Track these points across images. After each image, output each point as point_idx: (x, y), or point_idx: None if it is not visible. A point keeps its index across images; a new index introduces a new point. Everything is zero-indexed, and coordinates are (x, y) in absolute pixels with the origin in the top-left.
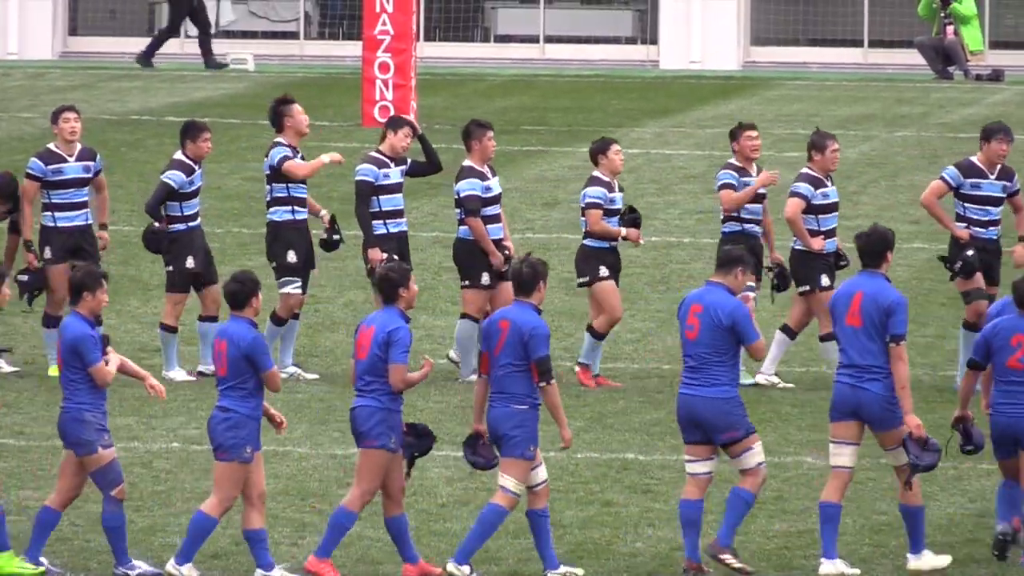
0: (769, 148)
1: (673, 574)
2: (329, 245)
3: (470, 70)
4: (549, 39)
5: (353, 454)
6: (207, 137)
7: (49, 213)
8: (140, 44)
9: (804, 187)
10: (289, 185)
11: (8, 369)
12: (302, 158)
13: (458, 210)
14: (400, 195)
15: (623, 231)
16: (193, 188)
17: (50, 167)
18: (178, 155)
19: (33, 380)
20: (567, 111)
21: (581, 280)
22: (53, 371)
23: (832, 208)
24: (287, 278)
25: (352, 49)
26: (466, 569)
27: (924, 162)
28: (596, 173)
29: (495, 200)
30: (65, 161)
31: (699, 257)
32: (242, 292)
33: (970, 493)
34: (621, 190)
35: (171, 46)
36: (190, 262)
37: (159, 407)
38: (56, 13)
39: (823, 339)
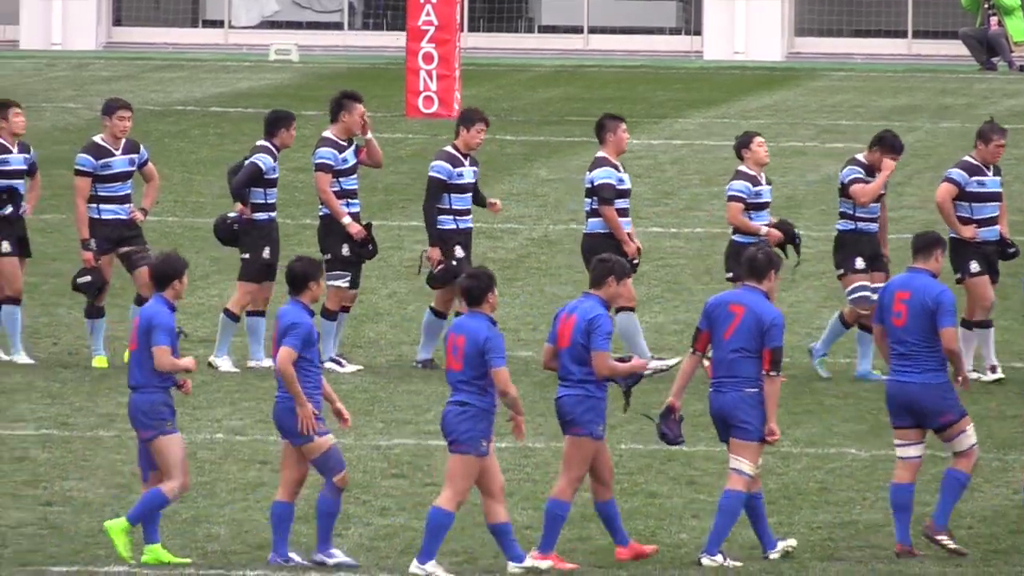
0: (813, 139)
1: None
2: (363, 256)
3: (514, 60)
4: (593, 30)
5: (396, 445)
6: (294, 127)
7: (95, 205)
8: (184, 35)
9: (958, 173)
10: (341, 179)
11: (25, 360)
12: (356, 148)
13: (588, 200)
14: (470, 195)
15: (763, 228)
16: (276, 176)
17: (100, 161)
18: (263, 142)
19: (77, 371)
20: (611, 102)
21: (728, 275)
22: (99, 362)
23: (989, 197)
24: (338, 271)
25: (396, 39)
26: (719, 558)
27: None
28: (741, 167)
29: (627, 193)
30: (112, 155)
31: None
32: (477, 288)
33: (1014, 484)
34: (769, 183)
35: (216, 36)
36: (267, 253)
37: (204, 398)
38: (100, 4)
39: (966, 325)
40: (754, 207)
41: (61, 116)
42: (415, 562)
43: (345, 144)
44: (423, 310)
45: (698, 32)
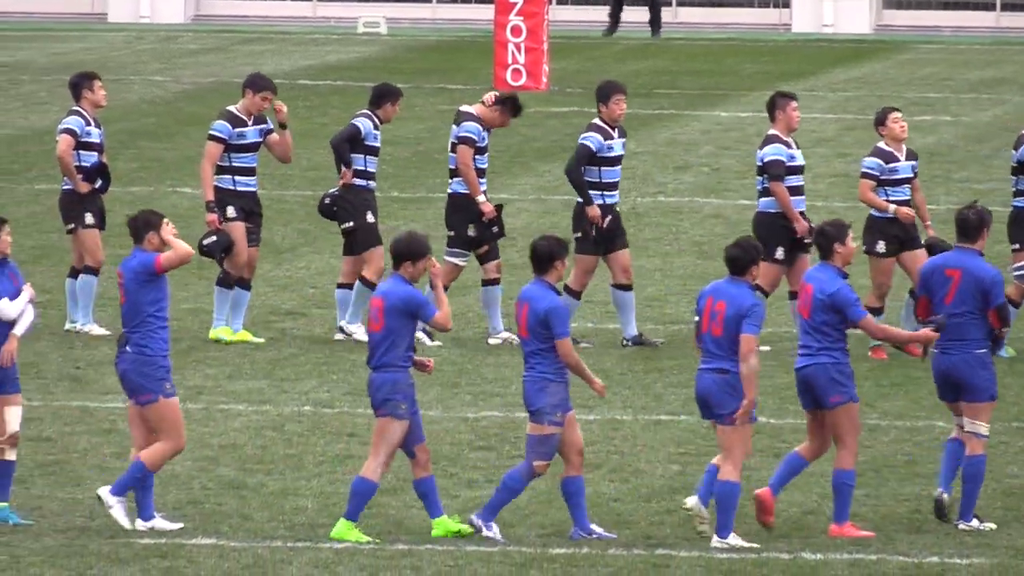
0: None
1: (805, 536)
2: (487, 237)
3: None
4: (682, 2)
5: (484, 417)
6: (400, 103)
7: (229, 176)
8: (272, 7)
9: None
10: (475, 156)
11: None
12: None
13: (760, 178)
14: (619, 167)
15: (892, 207)
16: (376, 144)
17: (236, 130)
18: (364, 112)
19: None
20: (699, 74)
21: (865, 249)
22: (220, 332)
23: None
24: (459, 249)
25: (484, 12)
26: (975, 522)
27: None
28: (879, 144)
29: (799, 170)
30: (246, 125)
31: None
32: (743, 259)
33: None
34: (912, 158)
35: (303, 8)
36: (370, 217)
37: (291, 370)
38: None
39: None
40: (889, 183)
41: (149, 89)
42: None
43: (477, 132)
44: (509, 283)
45: (787, 5)
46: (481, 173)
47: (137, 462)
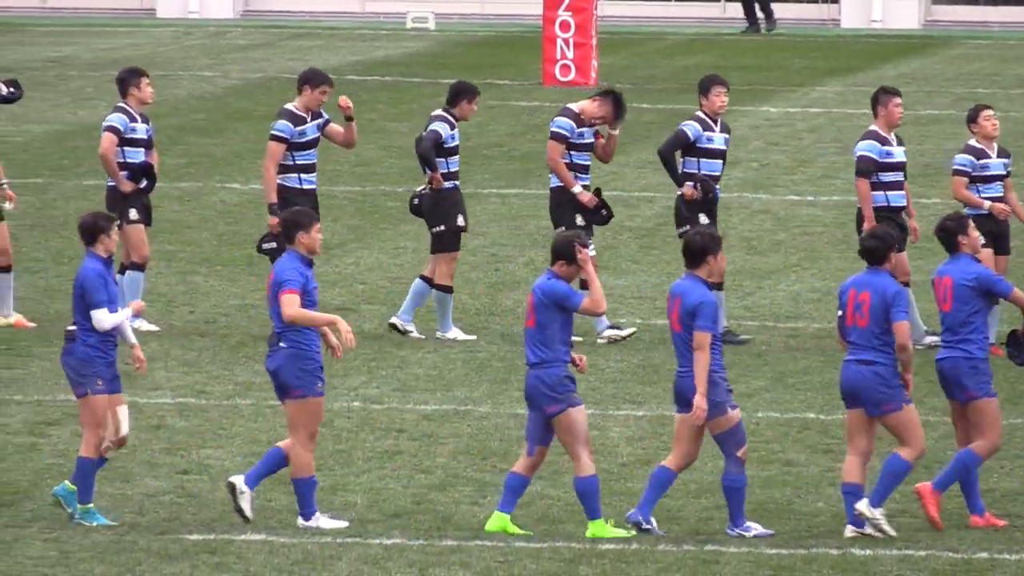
0: (950, 107)
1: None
2: (596, 222)
3: (651, 28)
4: None
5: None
6: (476, 101)
7: (295, 175)
8: (320, 3)
9: None
10: (572, 152)
11: (148, 327)
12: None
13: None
14: (722, 162)
15: (986, 203)
16: (455, 144)
17: (297, 128)
18: (440, 111)
19: (213, 339)
20: (748, 70)
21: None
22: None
23: None
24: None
25: (533, 7)
26: None
27: None
28: (971, 141)
29: (896, 167)
30: (306, 122)
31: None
32: (881, 248)
33: None
34: (1006, 155)
35: (351, 3)
36: (460, 220)
37: (340, 367)
38: None
39: None
40: (981, 180)
41: (198, 85)
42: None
43: (583, 119)
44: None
45: (835, 0)
46: (584, 169)
47: (277, 451)
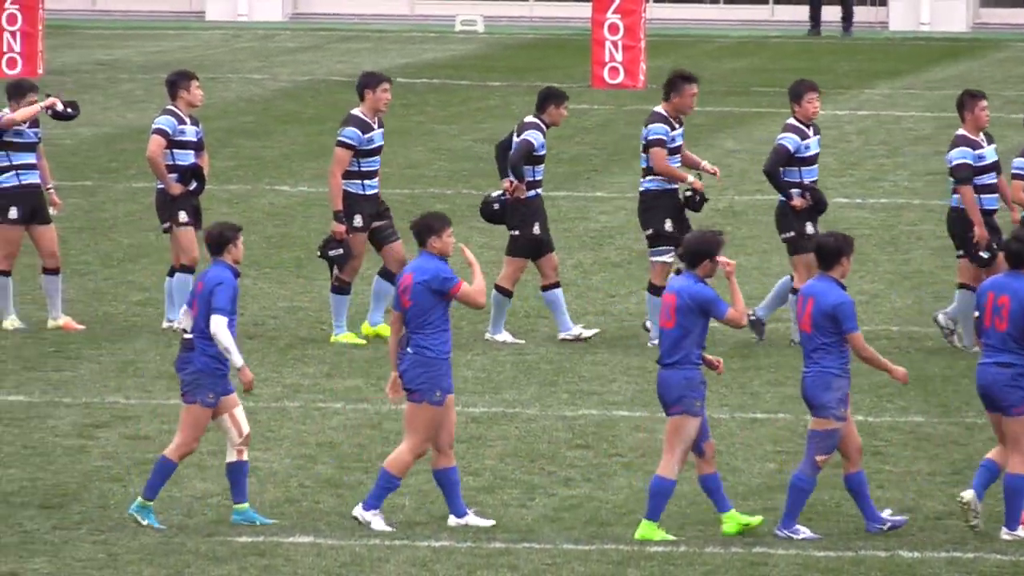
0: (998, 110)
1: (902, 534)
2: (695, 205)
3: (699, 31)
4: (779, 0)
5: (581, 416)
6: (565, 104)
7: (358, 181)
8: (369, 5)
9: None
10: (670, 157)
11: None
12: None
13: (951, 179)
14: (817, 166)
15: None
16: (544, 152)
17: (365, 136)
18: (532, 118)
19: (263, 342)
20: (796, 72)
21: None
22: (343, 338)
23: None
24: (663, 247)
25: (582, 10)
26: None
27: None
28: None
29: (990, 168)
30: (374, 129)
31: (928, 219)
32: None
33: None
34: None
35: (400, 6)
36: (537, 228)
37: (388, 368)
38: None
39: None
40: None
41: (246, 87)
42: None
43: (676, 123)
44: (608, 280)
45: (883, 3)
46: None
47: (384, 472)
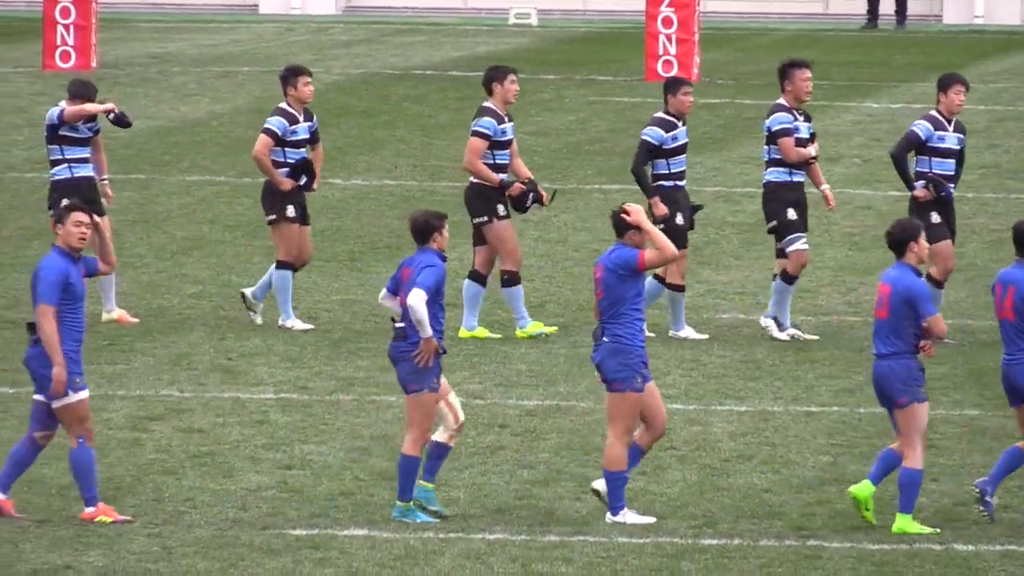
0: None
1: (957, 527)
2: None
3: (753, 24)
4: None
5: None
6: (687, 91)
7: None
8: (418, 0)
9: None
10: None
11: (301, 326)
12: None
13: None
14: (954, 161)
15: None
16: (676, 144)
17: (500, 127)
18: (659, 114)
19: (316, 334)
20: (850, 66)
21: None
22: (532, 329)
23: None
24: (794, 235)
25: (635, 3)
26: None
27: None
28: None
29: None
30: (506, 122)
31: (981, 212)
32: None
33: None
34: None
35: (453, 0)
36: (679, 219)
37: (443, 362)
38: None
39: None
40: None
41: None
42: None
43: (796, 112)
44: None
45: None
46: (797, 164)
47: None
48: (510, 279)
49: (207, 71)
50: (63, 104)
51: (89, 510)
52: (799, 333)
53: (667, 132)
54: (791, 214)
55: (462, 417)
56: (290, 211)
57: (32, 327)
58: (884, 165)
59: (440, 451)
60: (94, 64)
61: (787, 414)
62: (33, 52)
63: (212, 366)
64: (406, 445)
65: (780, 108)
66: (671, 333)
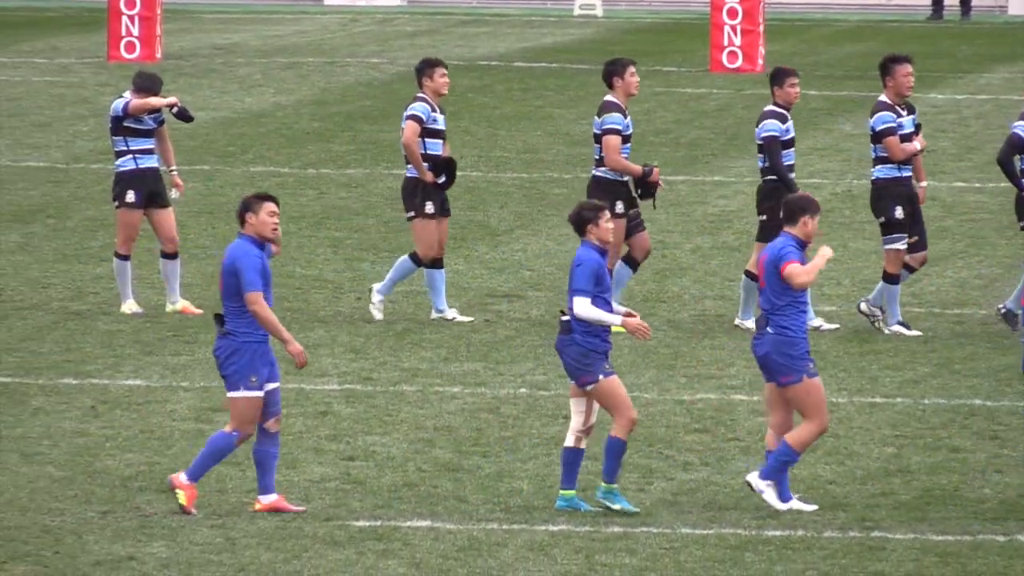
0: None
1: (1020, 519)
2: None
3: (817, 15)
4: None
5: (699, 400)
6: (794, 83)
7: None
8: None
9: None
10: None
11: (379, 316)
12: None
13: None
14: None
15: None
16: (790, 136)
17: (626, 121)
18: (769, 107)
19: (380, 325)
20: (914, 57)
21: None
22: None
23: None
24: (896, 234)
25: None
26: None
27: None
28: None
29: None
30: (626, 115)
31: None
32: None
33: None
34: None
35: None
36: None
37: (506, 352)
38: None
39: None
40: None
41: (365, 72)
42: None
43: (899, 107)
44: (726, 264)
45: None
46: (907, 163)
47: (783, 444)
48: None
49: (272, 62)
50: (128, 96)
51: (183, 479)
52: (903, 330)
53: (783, 124)
54: (899, 213)
55: (592, 421)
56: (428, 207)
57: (220, 319)
58: (949, 157)
59: (573, 456)
60: (159, 55)
61: (851, 405)
62: (98, 43)
63: (276, 356)
64: (613, 428)
65: (883, 106)
66: (736, 322)
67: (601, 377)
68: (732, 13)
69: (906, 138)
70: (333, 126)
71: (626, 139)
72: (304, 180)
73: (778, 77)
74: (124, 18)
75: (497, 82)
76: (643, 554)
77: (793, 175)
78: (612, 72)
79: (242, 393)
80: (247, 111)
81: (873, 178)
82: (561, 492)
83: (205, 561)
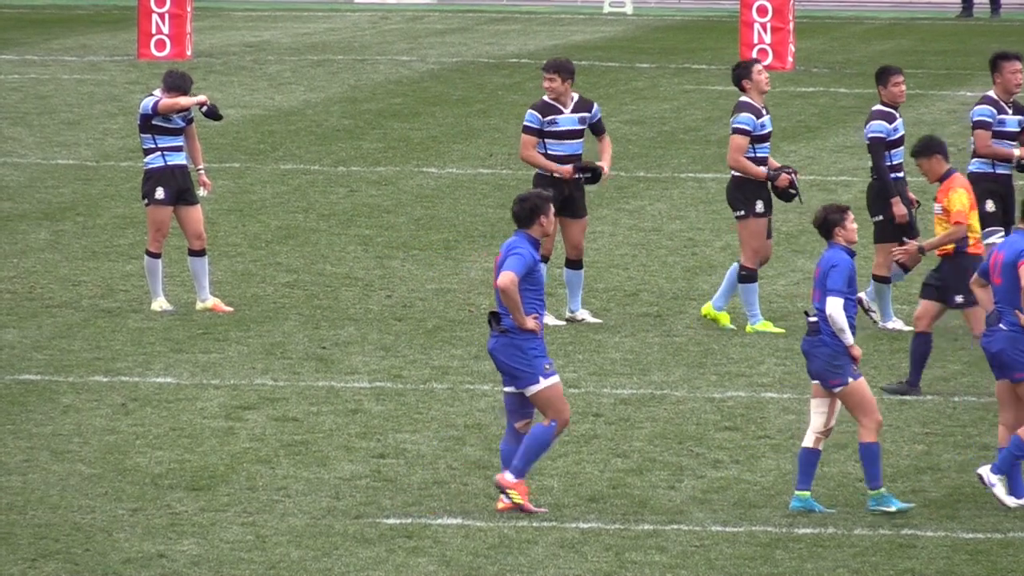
0: None
1: None
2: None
3: (848, 13)
4: None
5: (730, 398)
6: (898, 81)
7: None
8: None
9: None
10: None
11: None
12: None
13: None
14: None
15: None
16: (899, 135)
17: (759, 120)
18: (876, 107)
19: (410, 323)
20: (945, 54)
21: None
22: (760, 327)
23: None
24: (990, 228)
25: None
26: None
27: None
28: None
29: None
30: (763, 115)
31: None
32: None
33: None
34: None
35: None
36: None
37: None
38: None
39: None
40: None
41: (395, 69)
42: None
43: (1005, 105)
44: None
45: None
46: (1006, 158)
47: (1016, 439)
48: (748, 276)
49: (302, 60)
50: (157, 94)
51: (510, 479)
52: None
53: (889, 124)
54: (988, 206)
55: (833, 423)
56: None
57: (496, 317)
58: None
59: (810, 457)
60: (189, 53)
61: (881, 403)
62: (128, 40)
63: (306, 355)
64: (860, 434)
65: (987, 100)
66: (880, 325)
67: (850, 379)
68: (762, 11)
69: (1010, 136)
70: (363, 124)
71: (762, 138)
72: (334, 178)
73: (883, 76)
74: (154, 16)
75: (527, 80)
76: (673, 552)
77: (902, 174)
78: (741, 75)
79: (541, 384)
80: (277, 109)
81: (968, 172)
82: (796, 493)
83: (235, 559)
